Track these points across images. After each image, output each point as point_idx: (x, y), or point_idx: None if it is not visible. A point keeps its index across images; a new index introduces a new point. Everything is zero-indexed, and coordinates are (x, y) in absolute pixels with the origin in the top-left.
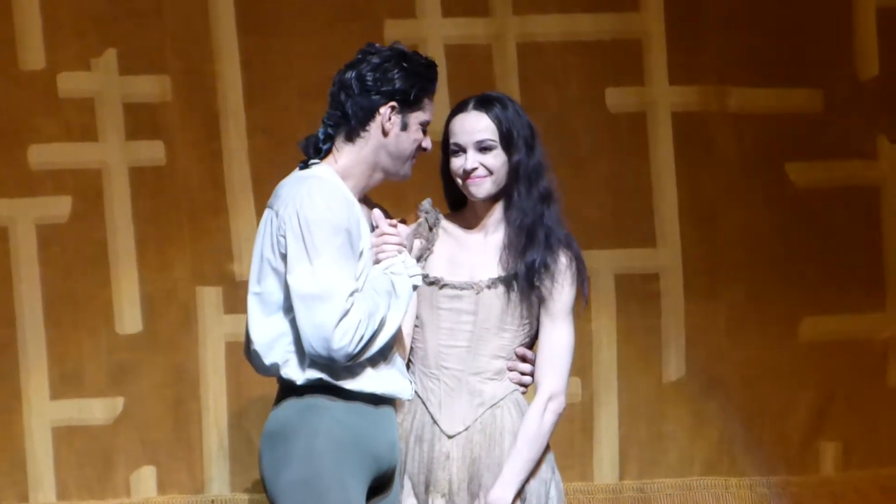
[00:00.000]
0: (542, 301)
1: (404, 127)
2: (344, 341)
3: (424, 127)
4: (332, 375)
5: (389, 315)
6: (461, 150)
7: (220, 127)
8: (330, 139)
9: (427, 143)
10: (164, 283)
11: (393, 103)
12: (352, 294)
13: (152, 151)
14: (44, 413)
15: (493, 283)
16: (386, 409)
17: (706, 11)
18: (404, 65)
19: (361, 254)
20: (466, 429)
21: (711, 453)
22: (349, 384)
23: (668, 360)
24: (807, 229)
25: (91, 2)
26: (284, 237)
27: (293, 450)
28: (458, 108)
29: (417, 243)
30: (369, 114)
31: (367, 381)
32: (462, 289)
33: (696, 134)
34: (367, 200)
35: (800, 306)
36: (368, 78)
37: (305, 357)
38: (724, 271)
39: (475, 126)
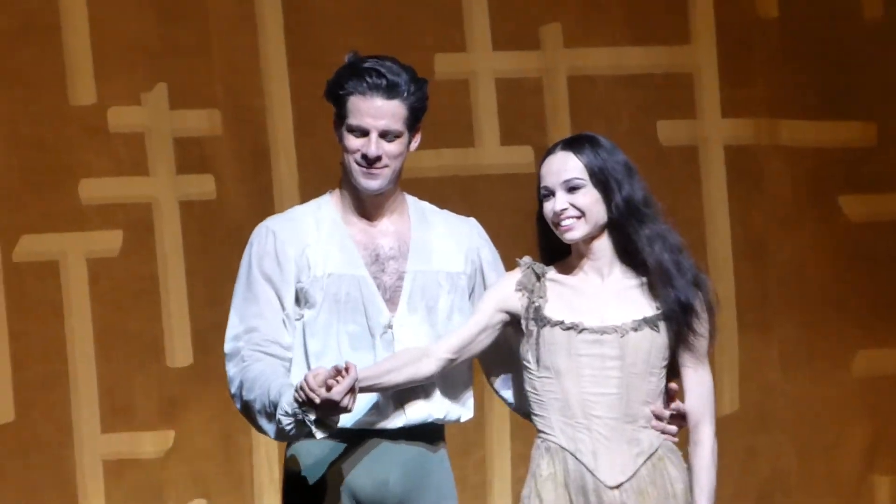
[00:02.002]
0: (685, 341)
1: (341, 138)
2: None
3: (355, 130)
4: None
5: (256, 415)
6: (550, 193)
7: (270, 161)
8: None
9: (355, 144)
10: (214, 317)
11: (336, 121)
12: (244, 333)
13: (202, 185)
14: (94, 447)
15: (638, 326)
16: (362, 443)
17: (758, 44)
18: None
19: (303, 286)
20: (628, 479)
21: (765, 488)
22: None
23: (722, 394)
24: (860, 263)
25: (141, 36)
26: None
27: (284, 481)
28: (547, 153)
29: (518, 296)
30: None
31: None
32: (603, 332)
33: (749, 167)
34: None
35: (853, 340)
36: None
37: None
38: (776, 305)
39: (562, 166)
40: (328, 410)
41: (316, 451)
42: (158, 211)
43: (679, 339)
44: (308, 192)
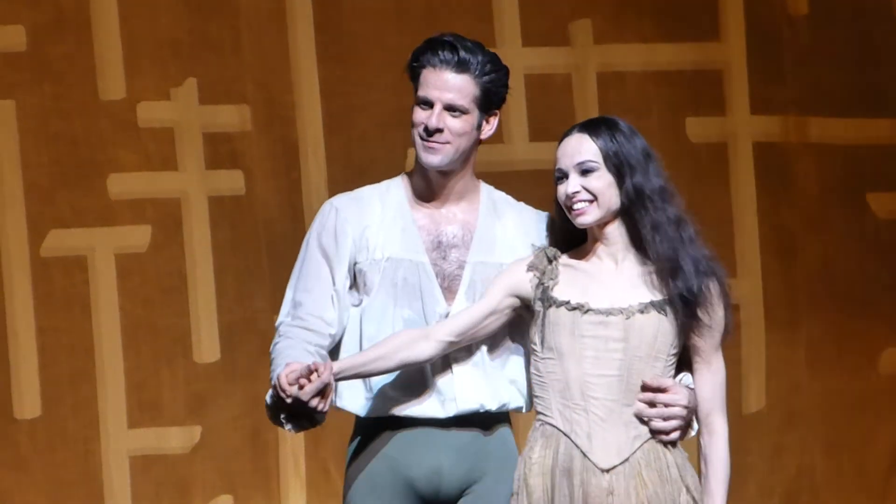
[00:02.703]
0: (693, 332)
1: (413, 112)
2: None
3: (422, 102)
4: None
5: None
6: (564, 175)
7: (299, 157)
8: None
9: (421, 116)
10: (242, 313)
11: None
12: (291, 308)
13: (232, 181)
14: (121, 442)
15: (645, 308)
16: (413, 432)
17: (787, 41)
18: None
19: (361, 267)
20: (622, 462)
21: (791, 485)
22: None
23: (749, 391)
24: (888, 260)
25: (171, 32)
26: None
27: (345, 474)
28: (564, 135)
29: (530, 276)
30: None
31: (376, 405)
32: (609, 314)
33: (777, 164)
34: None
35: (880, 338)
36: None
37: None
38: (804, 302)
39: (576, 149)
40: (299, 409)
41: (374, 444)
42: (187, 206)
43: (685, 329)
44: (336, 188)
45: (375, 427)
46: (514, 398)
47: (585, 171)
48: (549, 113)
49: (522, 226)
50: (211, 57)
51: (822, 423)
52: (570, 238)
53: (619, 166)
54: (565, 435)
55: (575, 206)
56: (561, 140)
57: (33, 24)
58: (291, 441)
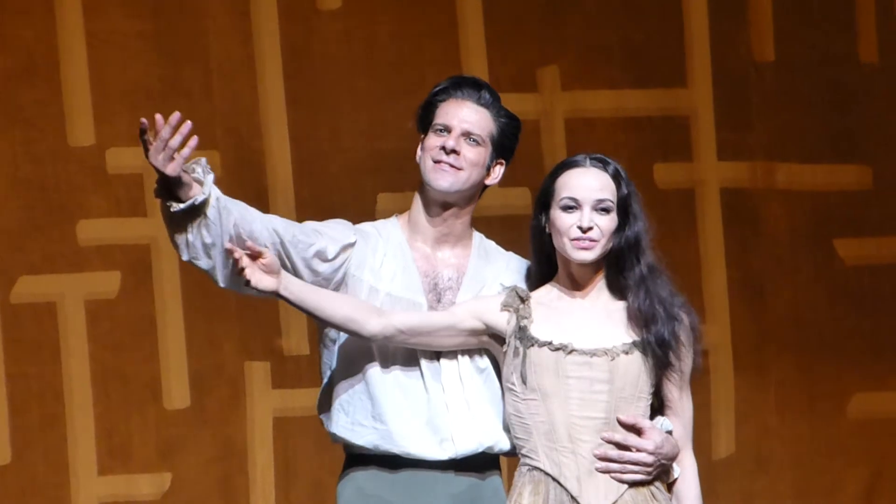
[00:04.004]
0: (668, 374)
1: (423, 147)
2: None
3: (440, 128)
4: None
5: None
6: (577, 206)
7: (269, 202)
8: None
9: (437, 140)
10: (212, 359)
11: (420, 127)
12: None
13: None
14: (91, 489)
15: (629, 349)
16: (409, 474)
17: (754, 87)
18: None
19: (354, 277)
20: None
21: None
22: (357, 441)
23: (718, 437)
24: (856, 306)
25: (140, 78)
26: None
27: None
28: (571, 164)
29: (506, 316)
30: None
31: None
32: (593, 355)
33: (745, 210)
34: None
35: (850, 383)
36: None
37: (333, 415)
38: (773, 348)
39: (594, 184)
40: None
41: (366, 485)
42: (157, 252)
43: (658, 371)
44: None
45: (368, 464)
46: (505, 439)
47: (603, 210)
48: (518, 159)
49: (511, 271)
50: (180, 103)
51: (792, 469)
52: (544, 270)
53: (626, 212)
54: (554, 479)
55: (582, 241)
56: (567, 167)
57: (2, 70)
58: (262, 487)
